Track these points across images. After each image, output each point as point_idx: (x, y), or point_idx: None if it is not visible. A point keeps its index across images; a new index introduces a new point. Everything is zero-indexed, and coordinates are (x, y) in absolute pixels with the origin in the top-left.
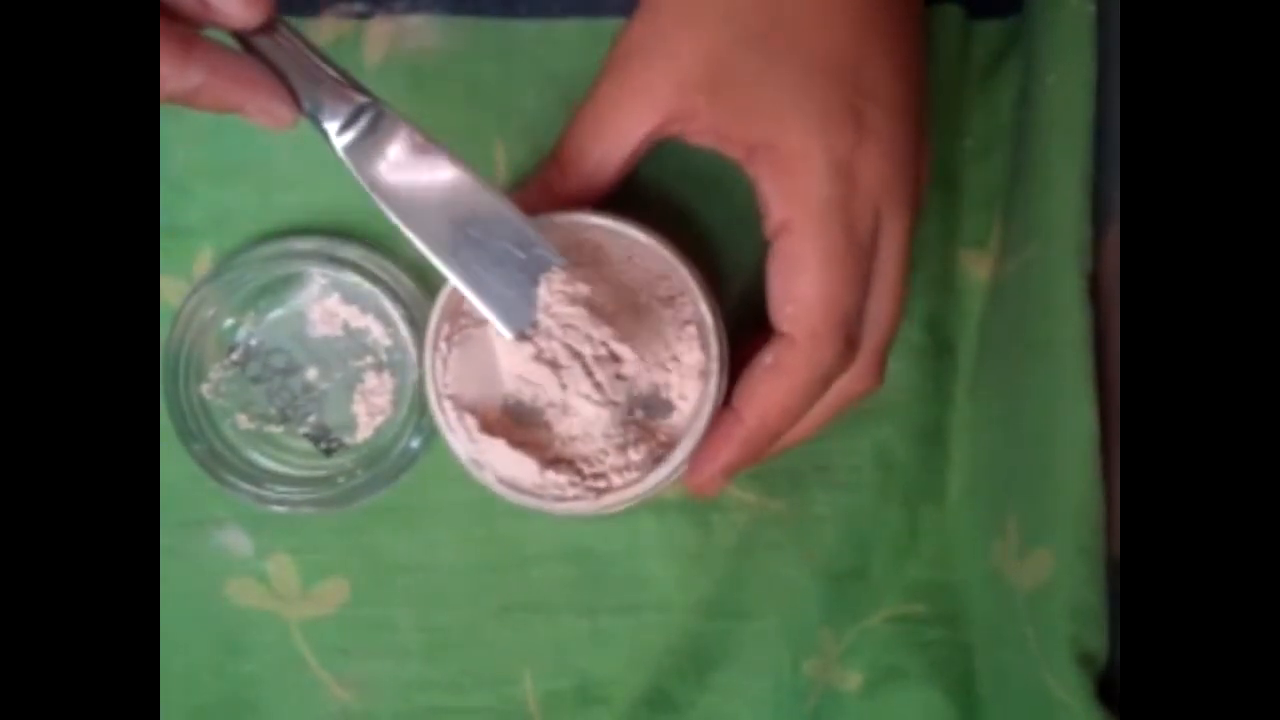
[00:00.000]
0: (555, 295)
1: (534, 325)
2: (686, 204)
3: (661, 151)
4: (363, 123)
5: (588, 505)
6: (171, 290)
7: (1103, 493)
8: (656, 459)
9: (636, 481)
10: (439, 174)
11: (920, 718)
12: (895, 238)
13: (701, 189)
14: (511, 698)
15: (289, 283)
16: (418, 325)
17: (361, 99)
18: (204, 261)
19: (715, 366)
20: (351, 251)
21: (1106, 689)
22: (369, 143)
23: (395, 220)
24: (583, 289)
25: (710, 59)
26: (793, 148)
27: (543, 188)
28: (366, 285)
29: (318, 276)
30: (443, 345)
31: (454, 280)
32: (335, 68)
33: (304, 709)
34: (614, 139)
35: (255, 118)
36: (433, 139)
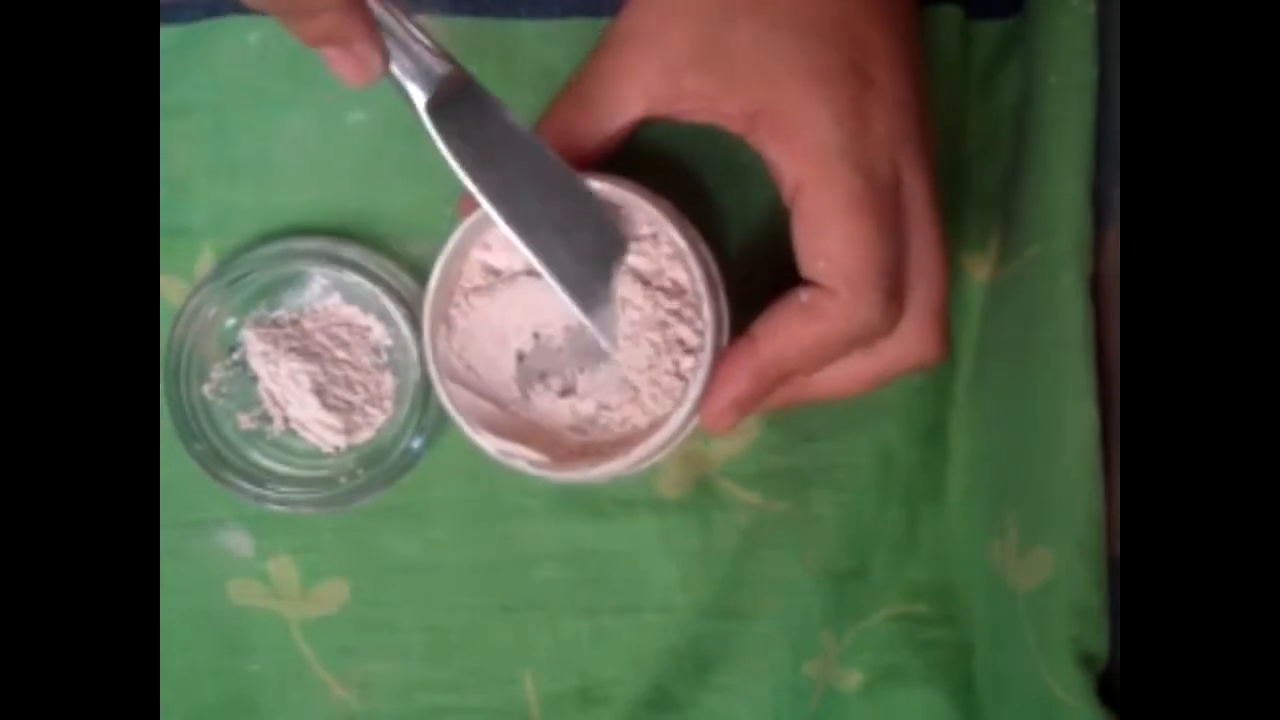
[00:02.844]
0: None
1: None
2: (683, 172)
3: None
4: (451, 92)
5: (622, 464)
6: (172, 290)
7: (1103, 492)
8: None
9: (661, 427)
10: (522, 153)
11: (920, 717)
12: (920, 191)
13: (697, 157)
14: (512, 698)
15: (290, 282)
16: (419, 324)
17: (452, 69)
18: (205, 261)
19: (704, 289)
20: (352, 251)
21: (1106, 689)
22: (455, 113)
23: (474, 192)
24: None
25: (699, 39)
26: (792, 106)
27: None
28: (368, 285)
29: (319, 276)
30: (442, 356)
31: (531, 257)
32: (430, 37)
33: (305, 709)
34: (599, 120)
35: (340, 64)
36: (520, 121)
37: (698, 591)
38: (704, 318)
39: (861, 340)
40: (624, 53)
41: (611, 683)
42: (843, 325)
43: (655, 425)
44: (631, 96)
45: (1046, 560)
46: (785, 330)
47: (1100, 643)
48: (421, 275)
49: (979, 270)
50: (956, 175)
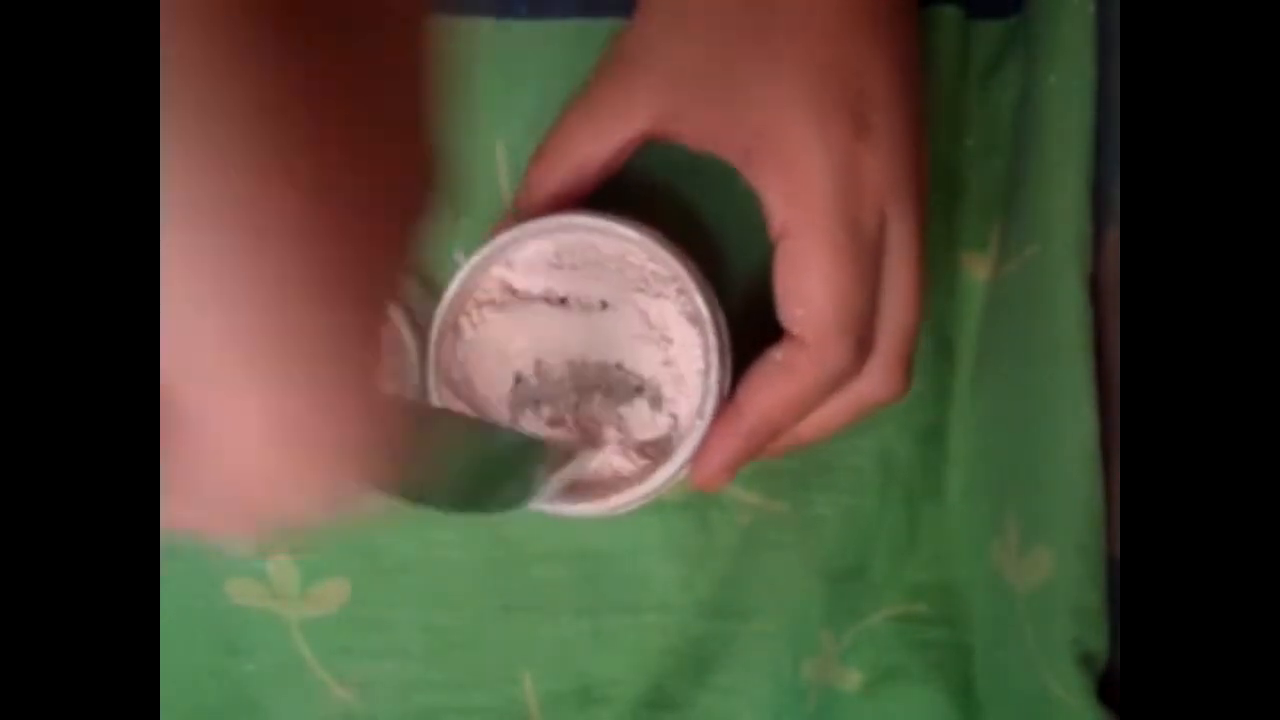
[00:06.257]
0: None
1: None
2: (687, 198)
3: (657, 146)
4: None
5: (598, 507)
6: None
7: (1103, 492)
8: (663, 455)
9: (645, 480)
10: None
11: (920, 718)
12: (906, 238)
13: (701, 182)
14: (512, 698)
15: None
16: (419, 326)
17: None
18: None
19: (715, 359)
20: None
21: (1106, 689)
22: None
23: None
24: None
25: (703, 61)
26: (791, 148)
27: (525, 184)
28: None
29: None
30: (444, 364)
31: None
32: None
33: (304, 709)
34: (602, 138)
35: None
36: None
37: (697, 591)
38: (710, 385)
39: (834, 386)
40: (629, 69)
41: (611, 683)
42: (814, 375)
43: (638, 473)
44: (636, 110)
45: (1046, 560)
46: (767, 390)
47: (1100, 643)
48: (421, 277)
49: (979, 270)
50: (956, 175)
